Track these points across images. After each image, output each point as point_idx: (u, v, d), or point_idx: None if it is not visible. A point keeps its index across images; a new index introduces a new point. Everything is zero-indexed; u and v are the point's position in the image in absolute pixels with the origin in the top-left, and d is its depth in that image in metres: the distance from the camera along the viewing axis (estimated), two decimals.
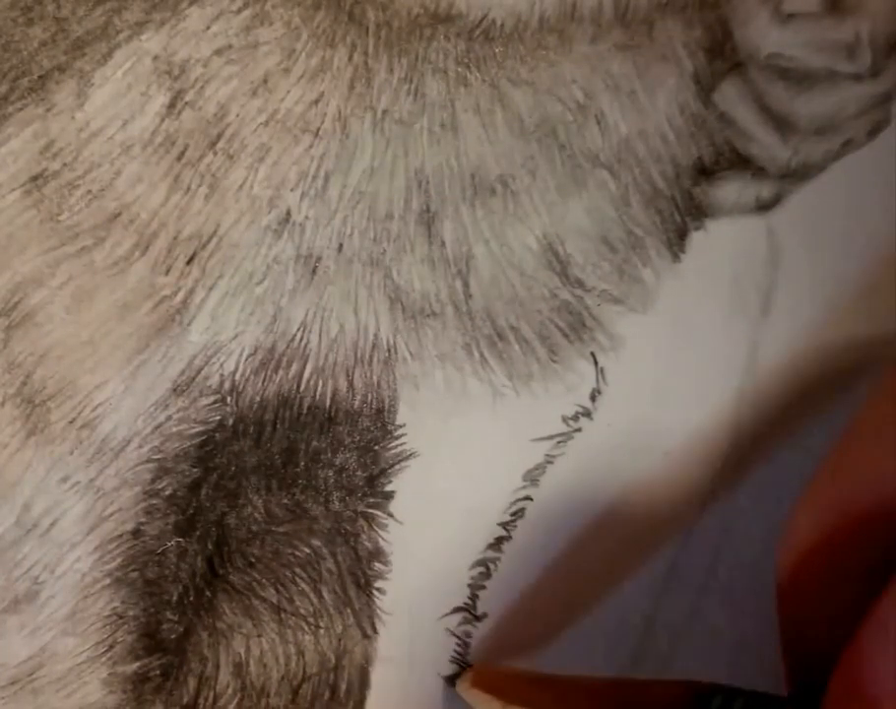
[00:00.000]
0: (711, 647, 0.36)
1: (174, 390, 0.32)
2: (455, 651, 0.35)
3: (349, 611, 0.34)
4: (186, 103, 0.31)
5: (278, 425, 0.33)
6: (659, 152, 0.34)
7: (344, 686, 0.35)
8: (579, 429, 0.35)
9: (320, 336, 0.33)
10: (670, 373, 0.35)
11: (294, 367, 0.33)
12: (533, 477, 0.35)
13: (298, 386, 0.33)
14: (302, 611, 0.34)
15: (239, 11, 0.31)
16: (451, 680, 0.35)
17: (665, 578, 0.36)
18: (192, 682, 0.33)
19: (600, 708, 0.31)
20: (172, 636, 0.33)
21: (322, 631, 0.34)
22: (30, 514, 0.31)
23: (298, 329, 0.33)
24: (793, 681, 0.29)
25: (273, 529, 0.33)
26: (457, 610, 0.35)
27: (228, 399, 0.32)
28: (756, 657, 0.33)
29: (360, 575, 0.34)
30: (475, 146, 0.33)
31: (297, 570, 0.34)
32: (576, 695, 0.32)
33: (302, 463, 0.33)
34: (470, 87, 0.33)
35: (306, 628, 0.34)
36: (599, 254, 0.34)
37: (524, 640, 0.36)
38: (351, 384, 0.33)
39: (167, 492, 0.32)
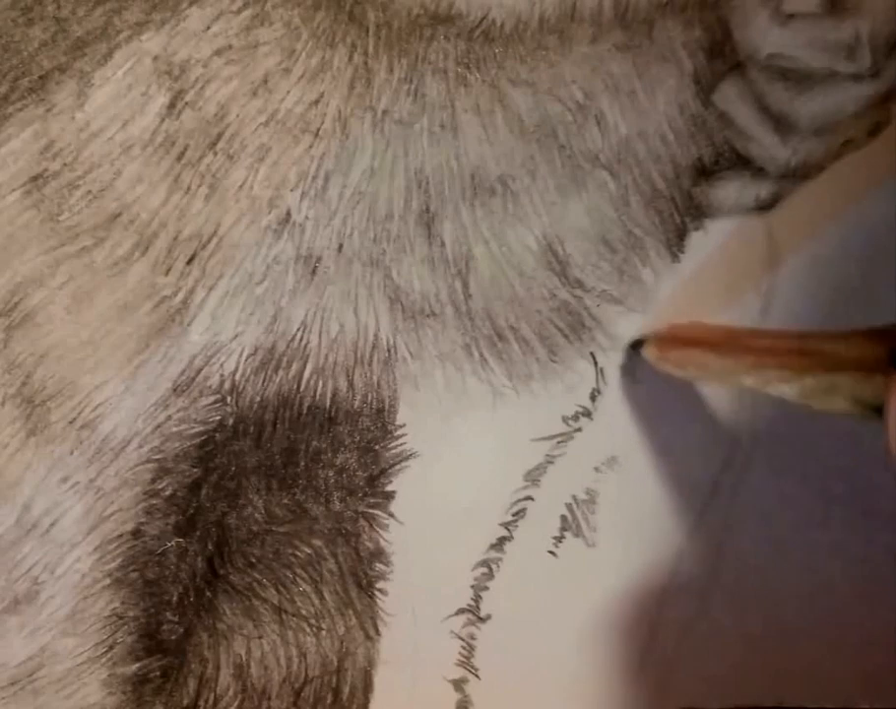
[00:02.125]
0: None
1: (174, 390, 0.32)
2: (460, 653, 0.35)
3: (350, 612, 0.34)
4: (186, 104, 0.31)
5: (278, 425, 0.33)
6: (658, 152, 0.34)
7: (347, 689, 0.35)
8: (579, 429, 0.35)
9: (320, 336, 0.33)
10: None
11: (294, 367, 0.33)
12: (533, 477, 0.35)
13: (298, 386, 0.33)
14: (304, 612, 0.34)
15: (239, 11, 0.31)
16: (635, 347, 0.35)
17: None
18: (192, 684, 0.33)
19: (797, 355, 0.30)
20: (173, 637, 0.33)
21: (324, 633, 0.34)
22: (30, 514, 0.31)
23: (298, 329, 0.33)
24: None
25: (273, 529, 0.33)
26: (460, 611, 0.35)
27: (229, 399, 0.32)
28: None
29: (362, 576, 0.34)
30: (475, 146, 0.33)
31: (298, 571, 0.34)
32: (774, 344, 0.31)
33: (303, 463, 0.33)
34: (470, 87, 0.33)
35: (308, 630, 0.34)
36: (598, 254, 0.34)
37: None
38: (351, 384, 0.33)
39: (167, 492, 0.32)
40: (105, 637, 0.32)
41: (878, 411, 0.27)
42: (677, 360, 0.33)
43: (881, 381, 0.27)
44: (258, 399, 0.32)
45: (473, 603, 0.35)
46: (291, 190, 0.32)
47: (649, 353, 0.34)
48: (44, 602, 0.31)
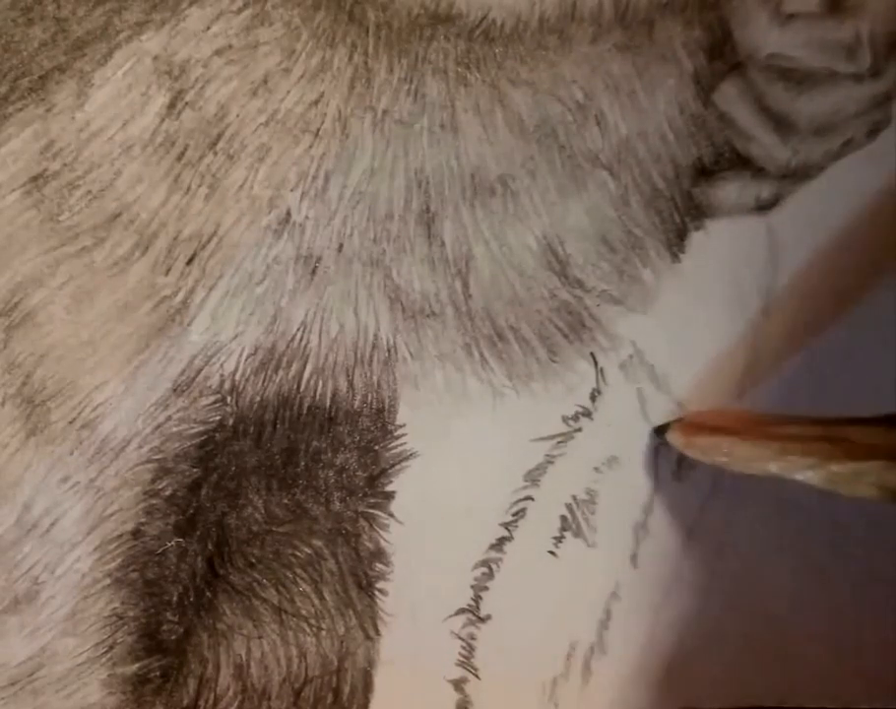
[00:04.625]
0: None
1: (174, 390, 0.32)
2: (460, 654, 0.35)
3: (350, 612, 0.34)
4: (186, 104, 0.31)
5: (278, 425, 0.33)
6: (658, 152, 0.34)
7: (347, 689, 0.35)
8: (579, 429, 0.35)
9: (320, 336, 0.33)
10: (669, 373, 0.35)
11: (294, 367, 0.33)
12: (533, 477, 0.35)
13: (298, 386, 0.33)
14: (304, 612, 0.34)
15: (239, 11, 0.31)
16: (660, 432, 0.35)
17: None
18: (192, 684, 0.33)
19: (822, 440, 0.30)
20: (172, 637, 0.33)
21: (324, 633, 0.34)
22: (30, 514, 0.31)
23: (298, 329, 0.33)
24: None
25: (273, 529, 0.33)
26: (460, 611, 0.35)
27: (229, 399, 0.32)
28: None
29: (362, 576, 0.34)
30: (475, 146, 0.33)
31: (298, 571, 0.34)
32: (799, 431, 0.31)
33: (303, 463, 0.33)
34: (470, 87, 0.33)
35: (308, 630, 0.34)
36: (598, 254, 0.34)
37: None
38: (351, 384, 0.33)
39: (167, 493, 0.32)
40: (105, 637, 0.32)
41: None
42: (703, 447, 0.34)
43: None
44: (258, 399, 0.32)
45: (473, 603, 0.35)
46: (291, 190, 0.32)
47: (675, 439, 0.34)
48: (44, 602, 0.31)
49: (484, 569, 0.35)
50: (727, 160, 0.35)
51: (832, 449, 0.30)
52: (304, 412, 0.33)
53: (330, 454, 0.33)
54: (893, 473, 0.28)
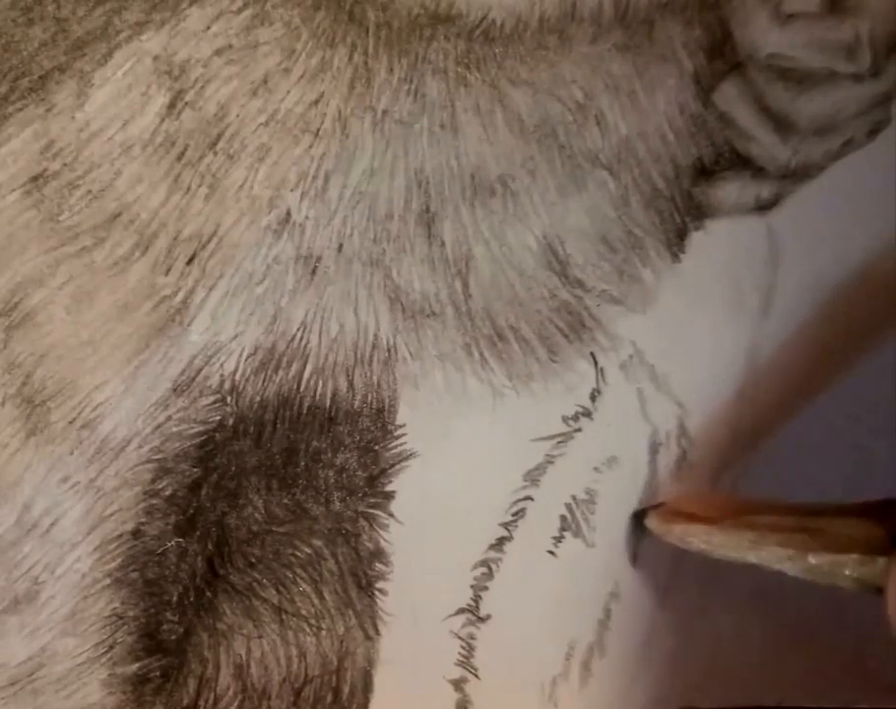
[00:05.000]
0: None
1: (174, 390, 0.32)
2: (459, 653, 0.35)
3: (350, 612, 0.34)
4: (186, 104, 0.31)
5: (278, 425, 0.33)
6: (658, 152, 0.34)
7: (346, 689, 0.35)
8: (579, 429, 0.35)
9: (320, 336, 0.33)
10: (669, 373, 0.35)
11: (294, 367, 0.33)
12: (533, 477, 0.35)
13: (298, 386, 0.33)
14: (304, 612, 0.34)
15: (239, 11, 0.31)
16: (638, 517, 0.35)
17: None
18: (192, 684, 0.33)
19: (796, 531, 0.31)
20: (173, 637, 0.33)
21: (324, 633, 0.34)
22: (30, 514, 0.31)
23: (298, 329, 0.33)
24: None
25: (273, 529, 0.33)
26: (460, 611, 0.35)
27: (229, 399, 0.32)
28: None
29: (362, 576, 0.34)
30: (475, 146, 0.33)
31: (298, 571, 0.34)
32: (776, 521, 0.32)
33: (303, 463, 0.33)
34: (470, 87, 0.33)
35: (308, 630, 0.34)
36: (598, 254, 0.34)
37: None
38: (351, 384, 0.33)
39: (167, 492, 0.32)
40: (105, 637, 0.32)
41: (881, 591, 0.28)
42: (681, 535, 0.34)
43: (883, 563, 0.28)
44: (258, 399, 0.32)
45: (472, 603, 0.35)
46: (291, 190, 0.32)
47: (653, 525, 0.35)
48: (44, 602, 0.31)
49: (484, 569, 0.35)
50: (727, 160, 0.35)
51: (809, 540, 0.30)
52: (304, 412, 0.33)
53: (330, 454, 0.33)
54: (869, 566, 0.29)
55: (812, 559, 0.30)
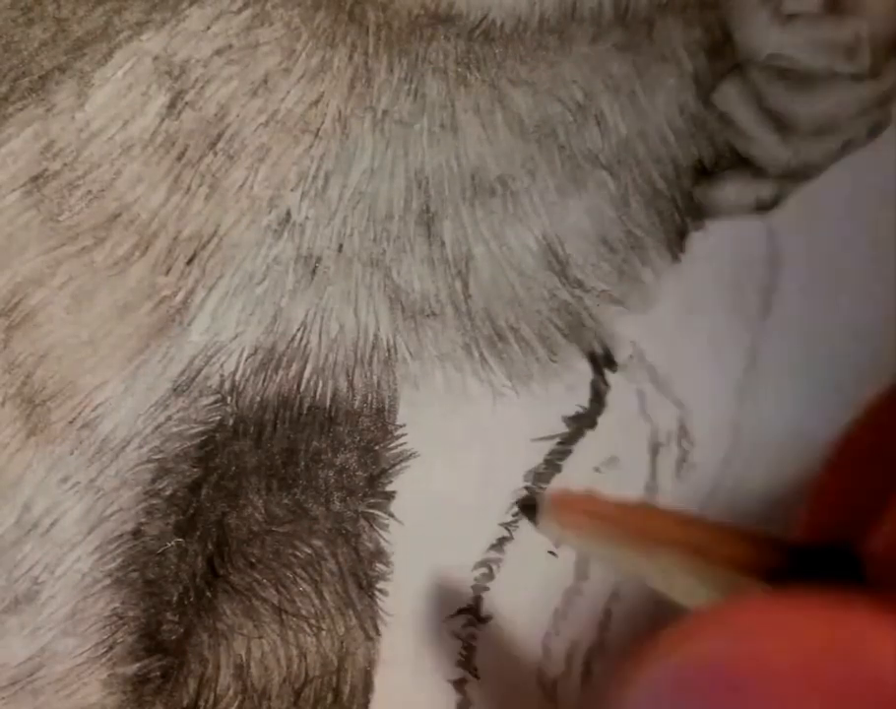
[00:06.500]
0: None
1: (174, 390, 0.32)
2: (460, 654, 0.35)
3: (351, 612, 0.34)
4: (186, 104, 0.31)
5: (278, 425, 0.33)
6: (658, 152, 0.34)
7: (347, 689, 0.35)
8: (579, 429, 0.35)
9: (320, 336, 0.33)
10: (669, 373, 0.35)
11: (294, 367, 0.33)
12: (533, 477, 0.35)
13: (298, 386, 0.33)
14: (304, 612, 0.34)
15: (239, 11, 0.31)
16: (526, 510, 0.30)
17: None
18: (192, 684, 0.33)
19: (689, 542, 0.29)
20: (173, 637, 0.33)
21: (324, 633, 0.34)
22: (30, 514, 0.31)
23: (298, 329, 0.33)
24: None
25: (273, 529, 0.33)
26: (460, 611, 0.35)
27: (229, 399, 0.32)
28: None
29: (362, 576, 0.34)
30: (475, 146, 0.33)
31: (298, 571, 0.34)
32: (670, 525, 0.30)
33: (303, 463, 0.33)
34: (470, 87, 0.33)
35: (308, 630, 0.34)
36: (598, 254, 0.34)
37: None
38: (351, 384, 0.33)
39: (168, 492, 0.32)
40: (105, 637, 0.32)
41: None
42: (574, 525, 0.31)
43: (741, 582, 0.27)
44: (258, 399, 0.32)
45: (473, 603, 0.35)
46: (292, 190, 0.32)
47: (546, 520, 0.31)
48: (44, 602, 0.31)
49: (485, 570, 0.35)
50: (727, 160, 0.35)
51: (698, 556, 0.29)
52: (304, 412, 0.33)
53: (330, 454, 0.33)
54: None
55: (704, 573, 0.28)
